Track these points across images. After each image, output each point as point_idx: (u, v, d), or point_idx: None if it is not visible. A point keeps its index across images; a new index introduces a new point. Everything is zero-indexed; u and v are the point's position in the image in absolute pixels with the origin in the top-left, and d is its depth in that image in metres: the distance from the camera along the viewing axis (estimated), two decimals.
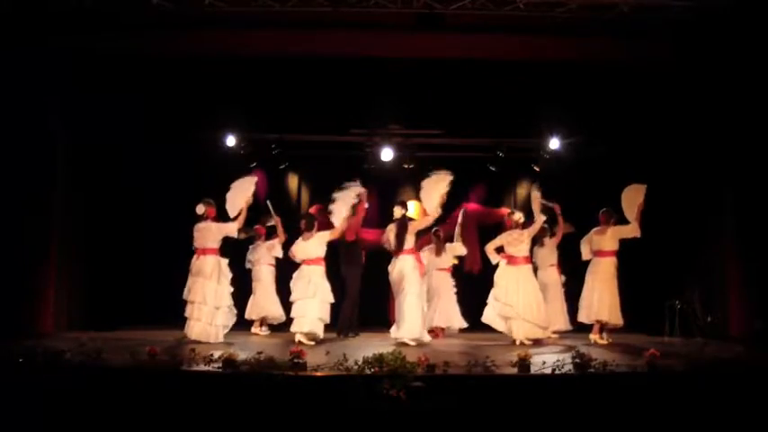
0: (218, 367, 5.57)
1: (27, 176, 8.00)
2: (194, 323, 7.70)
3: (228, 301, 7.86)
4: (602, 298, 8.18)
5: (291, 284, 8.08)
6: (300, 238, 8.21)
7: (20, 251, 7.88)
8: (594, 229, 8.42)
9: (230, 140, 10.03)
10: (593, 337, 8.22)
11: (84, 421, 5.32)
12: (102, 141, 9.14)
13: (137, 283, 9.59)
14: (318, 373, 5.50)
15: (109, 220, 9.47)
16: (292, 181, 11.29)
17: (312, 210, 10.40)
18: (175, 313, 7.99)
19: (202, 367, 5.62)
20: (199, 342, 7.28)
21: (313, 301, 7.91)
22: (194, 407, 5.35)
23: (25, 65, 7.78)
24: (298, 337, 7.80)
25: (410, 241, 7.96)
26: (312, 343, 7.69)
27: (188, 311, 7.78)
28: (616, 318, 8.16)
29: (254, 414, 5.31)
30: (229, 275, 7.95)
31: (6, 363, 5.62)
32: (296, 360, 5.58)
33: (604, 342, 8.08)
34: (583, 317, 8.39)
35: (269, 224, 9.72)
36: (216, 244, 7.89)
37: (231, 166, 10.34)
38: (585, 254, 8.46)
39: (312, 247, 8.12)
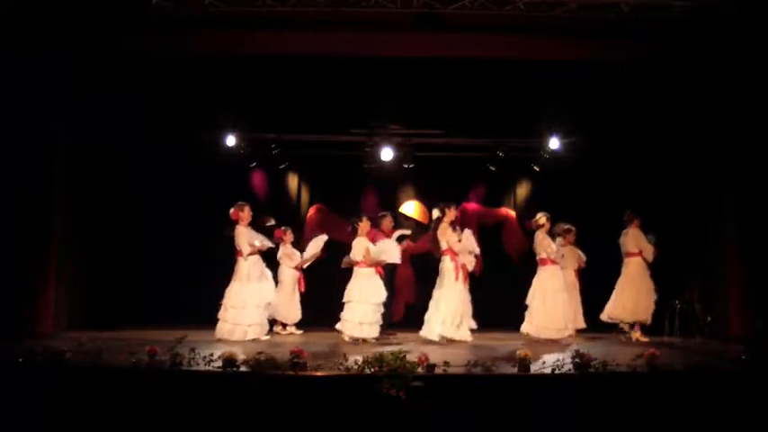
0: (218, 367, 5.57)
1: (27, 176, 7.99)
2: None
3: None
4: (637, 299, 8.36)
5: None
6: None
7: (20, 251, 7.88)
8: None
9: (230, 140, 10.01)
10: (636, 335, 8.36)
11: (84, 421, 5.31)
12: (103, 141, 9.13)
13: (137, 283, 9.58)
14: (318, 373, 5.50)
15: (109, 220, 9.48)
16: (292, 181, 11.27)
17: (312, 210, 10.41)
18: (175, 313, 7.98)
19: (202, 367, 5.62)
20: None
21: None
22: (194, 407, 5.35)
23: (25, 65, 7.77)
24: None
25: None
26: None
27: None
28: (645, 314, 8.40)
29: (255, 414, 5.31)
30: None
31: (6, 363, 5.62)
32: (296, 360, 5.58)
33: (646, 340, 8.19)
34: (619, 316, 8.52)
35: (268, 224, 9.70)
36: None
37: (231, 166, 10.37)
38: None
39: None
